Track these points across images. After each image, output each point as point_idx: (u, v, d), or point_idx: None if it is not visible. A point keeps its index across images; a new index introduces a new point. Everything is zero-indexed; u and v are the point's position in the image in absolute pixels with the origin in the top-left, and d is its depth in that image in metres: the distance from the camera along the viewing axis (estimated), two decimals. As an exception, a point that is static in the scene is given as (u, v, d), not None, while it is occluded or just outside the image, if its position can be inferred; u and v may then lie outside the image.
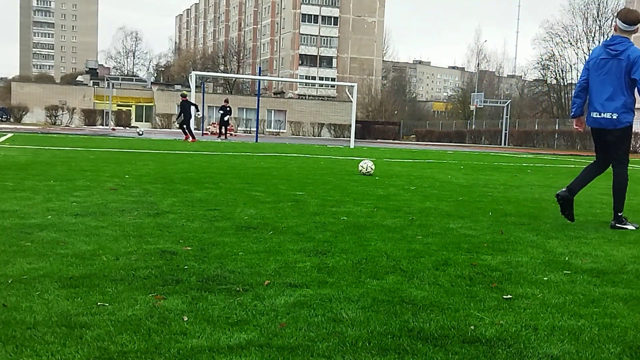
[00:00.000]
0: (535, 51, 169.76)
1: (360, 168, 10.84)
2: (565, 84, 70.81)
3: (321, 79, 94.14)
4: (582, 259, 4.27)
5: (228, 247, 4.18)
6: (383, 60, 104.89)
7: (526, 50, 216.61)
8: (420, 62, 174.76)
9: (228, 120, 33.26)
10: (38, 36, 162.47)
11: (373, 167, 10.91)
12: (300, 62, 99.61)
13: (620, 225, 5.71)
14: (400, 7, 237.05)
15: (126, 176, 8.94)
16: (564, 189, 5.85)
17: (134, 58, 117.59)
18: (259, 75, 42.04)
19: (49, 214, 5.21)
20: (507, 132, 54.03)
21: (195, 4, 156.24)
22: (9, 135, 24.69)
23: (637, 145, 40.48)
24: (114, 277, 3.28)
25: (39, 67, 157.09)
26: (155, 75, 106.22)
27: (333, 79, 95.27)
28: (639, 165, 20.26)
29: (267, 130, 67.89)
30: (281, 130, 68.62)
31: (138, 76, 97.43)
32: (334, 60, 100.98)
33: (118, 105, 64.94)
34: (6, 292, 2.95)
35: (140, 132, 35.63)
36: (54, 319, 2.58)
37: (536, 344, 2.52)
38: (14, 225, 4.63)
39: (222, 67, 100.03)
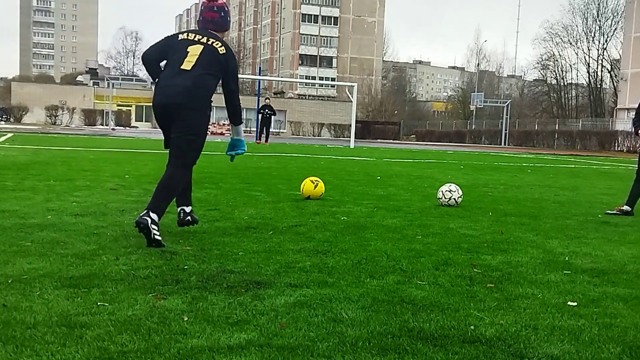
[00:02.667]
0: (535, 51, 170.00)
1: (440, 196, 7.01)
2: (565, 84, 70.84)
3: (321, 79, 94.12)
4: (582, 259, 4.27)
5: (228, 247, 4.18)
6: (383, 60, 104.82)
7: (526, 50, 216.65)
8: (420, 62, 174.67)
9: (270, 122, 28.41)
10: (38, 36, 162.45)
11: (460, 194, 7.03)
12: (300, 62, 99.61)
13: None
14: (400, 7, 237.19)
15: (126, 176, 8.94)
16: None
17: (134, 58, 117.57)
18: (259, 75, 42.06)
19: (49, 214, 5.21)
20: (507, 132, 54.01)
21: (195, 4, 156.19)
22: (9, 135, 24.68)
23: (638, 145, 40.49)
24: (114, 277, 3.28)
25: (39, 67, 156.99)
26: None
27: (333, 79, 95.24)
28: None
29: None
30: (281, 130, 68.67)
31: (138, 76, 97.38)
32: (334, 60, 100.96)
33: (118, 105, 64.91)
34: (6, 292, 2.95)
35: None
36: (54, 319, 2.58)
37: (536, 344, 2.52)
38: (14, 225, 4.63)
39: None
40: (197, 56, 4.44)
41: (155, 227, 4.07)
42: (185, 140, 4.40)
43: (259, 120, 28.73)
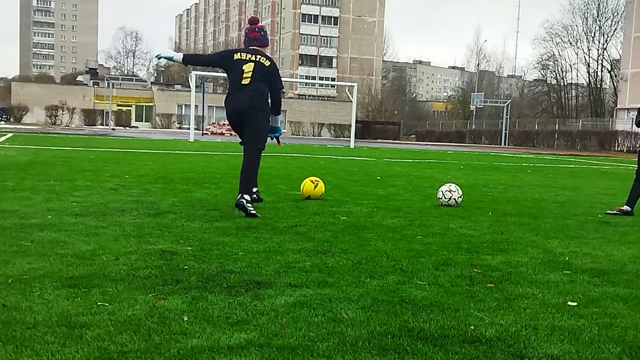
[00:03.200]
0: (535, 51, 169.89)
1: (440, 196, 7.03)
2: (565, 84, 70.83)
3: (321, 79, 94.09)
4: (582, 259, 4.27)
5: (228, 247, 4.18)
6: (383, 60, 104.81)
7: (526, 50, 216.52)
8: (420, 62, 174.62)
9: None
10: (38, 36, 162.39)
11: (460, 194, 7.05)
12: (300, 62, 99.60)
13: None
14: (400, 6, 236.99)
15: (126, 176, 8.93)
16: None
17: (134, 58, 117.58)
18: (259, 75, 41.97)
19: (49, 214, 5.21)
20: (507, 132, 54.01)
21: (195, 4, 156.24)
22: (9, 135, 24.69)
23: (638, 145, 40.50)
24: (114, 277, 3.28)
25: (39, 67, 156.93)
26: (155, 75, 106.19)
27: (333, 79, 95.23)
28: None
29: (267, 130, 67.86)
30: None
31: (138, 76, 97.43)
32: (334, 60, 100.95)
33: (118, 105, 64.91)
34: (6, 292, 2.95)
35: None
36: (54, 319, 2.58)
37: (536, 344, 2.52)
38: (14, 225, 4.63)
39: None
40: (251, 72, 5.96)
41: (250, 205, 5.62)
42: (256, 132, 5.95)
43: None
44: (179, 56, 6.34)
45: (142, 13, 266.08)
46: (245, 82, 5.94)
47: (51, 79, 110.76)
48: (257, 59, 6.01)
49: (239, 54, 6.06)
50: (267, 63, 6.04)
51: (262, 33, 6.19)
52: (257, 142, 5.97)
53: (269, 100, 6.07)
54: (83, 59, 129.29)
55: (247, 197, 5.64)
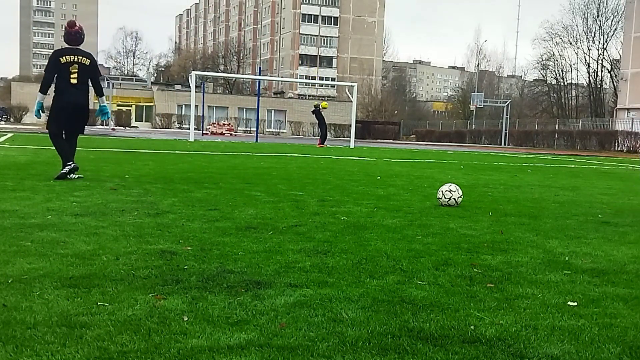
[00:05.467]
0: (535, 51, 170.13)
1: (440, 196, 6.97)
2: (565, 84, 70.89)
3: (321, 79, 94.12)
4: (582, 259, 4.26)
5: (228, 247, 4.18)
6: (383, 60, 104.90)
7: (526, 50, 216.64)
8: (420, 62, 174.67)
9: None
10: (38, 36, 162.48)
11: (460, 194, 6.99)
12: (300, 62, 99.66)
13: None
14: (400, 6, 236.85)
15: (126, 176, 8.93)
16: None
17: (134, 58, 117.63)
18: (259, 75, 42.04)
19: (49, 214, 5.21)
20: (507, 132, 54.03)
21: (195, 4, 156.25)
22: (9, 135, 24.68)
23: (638, 145, 40.51)
24: (114, 277, 3.28)
25: (39, 67, 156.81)
26: (155, 75, 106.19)
27: (333, 79, 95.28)
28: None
29: (267, 130, 68.00)
30: (281, 130, 68.67)
31: (138, 76, 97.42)
32: (334, 60, 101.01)
33: (118, 105, 64.93)
34: (6, 292, 2.95)
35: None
36: (54, 319, 2.58)
37: (536, 344, 2.52)
38: (14, 225, 4.63)
39: (222, 67, 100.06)
40: (77, 73, 7.71)
41: (68, 170, 7.85)
42: (84, 125, 8.16)
43: (323, 123, 28.76)
44: (40, 97, 8.00)
45: (142, 13, 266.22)
46: (73, 81, 7.62)
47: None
48: (80, 60, 7.67)
49: (64, 57, 7.62)
50: (87, 62, 7.76)
51: (78, 35, 7.80)
52: (82, 132, 8.24)
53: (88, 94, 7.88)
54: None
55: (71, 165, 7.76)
